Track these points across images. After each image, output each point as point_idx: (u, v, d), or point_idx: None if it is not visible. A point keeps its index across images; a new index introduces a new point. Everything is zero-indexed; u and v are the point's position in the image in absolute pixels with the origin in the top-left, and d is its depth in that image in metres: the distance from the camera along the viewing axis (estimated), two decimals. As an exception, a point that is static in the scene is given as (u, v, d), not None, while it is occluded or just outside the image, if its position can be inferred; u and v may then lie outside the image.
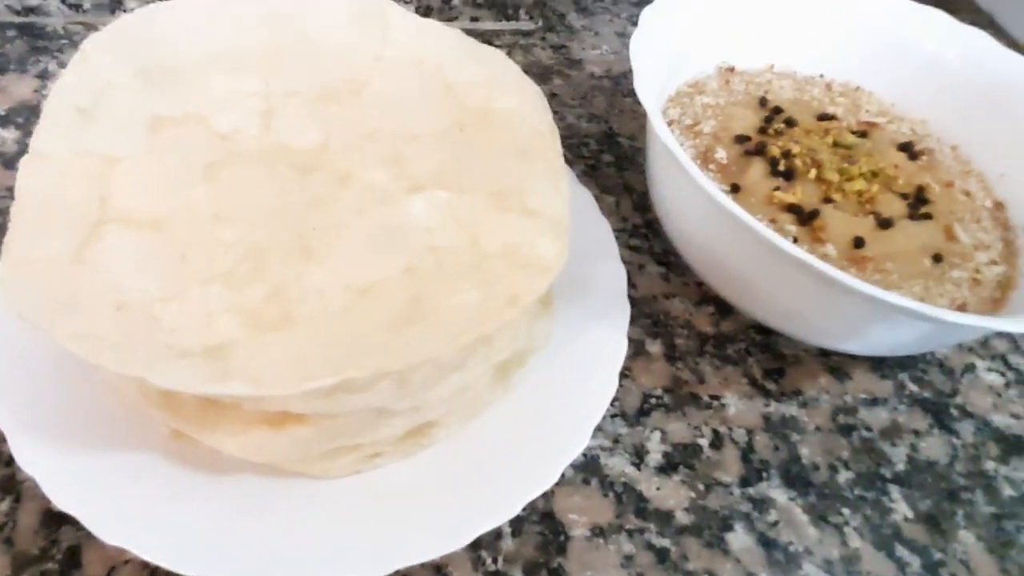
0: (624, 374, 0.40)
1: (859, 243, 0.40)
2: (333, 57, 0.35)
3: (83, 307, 0.24)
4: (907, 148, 0.47)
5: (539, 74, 0.57)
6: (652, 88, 0.39)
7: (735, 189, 0.42)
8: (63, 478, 0.28)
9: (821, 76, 0.52)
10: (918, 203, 0.43)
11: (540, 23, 0.61)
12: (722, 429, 0.39)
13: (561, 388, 0.35)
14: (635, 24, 0.61)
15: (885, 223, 0.41)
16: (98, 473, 0.29)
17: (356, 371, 0.23)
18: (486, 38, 0.59)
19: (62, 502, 0.28)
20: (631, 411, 0.39)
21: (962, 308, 0.39)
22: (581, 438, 0.33)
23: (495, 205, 0.30)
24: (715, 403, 0.40)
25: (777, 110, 0.48)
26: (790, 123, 0.46)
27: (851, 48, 0.51)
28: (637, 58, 0.39)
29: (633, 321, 0.42)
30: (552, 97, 0.55)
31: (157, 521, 0.28)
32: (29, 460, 0.28)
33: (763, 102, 0.48)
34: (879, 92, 0.52)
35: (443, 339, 0.25)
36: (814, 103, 0.50)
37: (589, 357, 0.37)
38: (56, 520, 0.30)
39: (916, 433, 0.41)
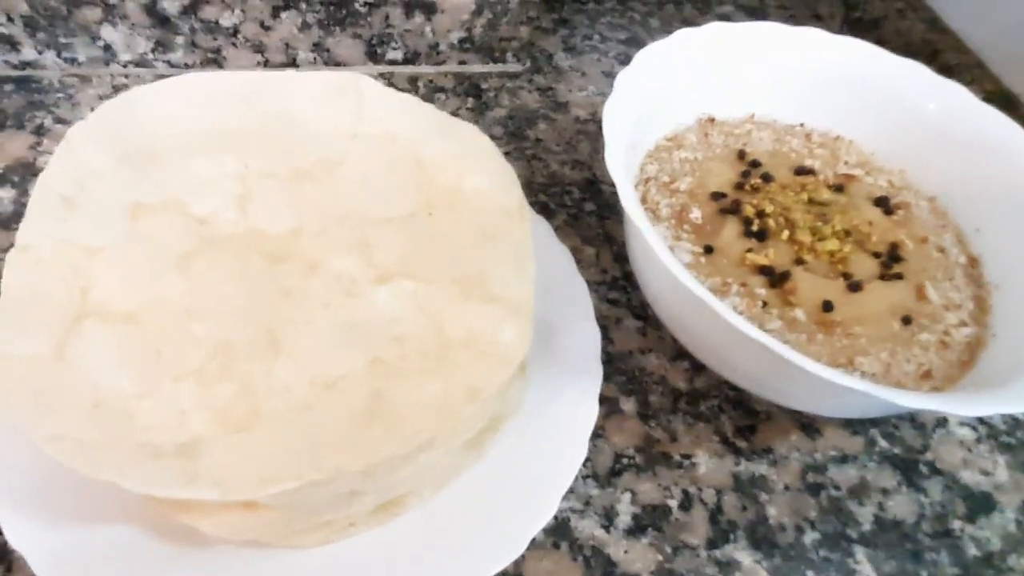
0: (597, 434, 0.41)
1: (828, 307, 0.40)
2: (309, 135, 0.36)
3: (61, 406, 0.26)
4: (883, 203, 0.47)
5: (525, 118, 0.58)
6: (623, 156, 0.40)
7: (708, 250, 0.43)
8: (50, 554, 0.30)
9: (801, 125, 0.53)
10: (891, 261, 0.44)
11: (528, 64, 0.62)
12: (692, 489, 0.40)
13: (531, 455, 0.37)
14: (623, 63, 0.62)
15: (855, 286, 0.41)
16: (84, 548, 0.30)
17: (317, 474, 0.25)
18: (474, 81, 0.60)
19: (48, 577, 0.29)
20: (603, 472, 0.40)
21: (927, 375, 0.39)
22: (548, 508, 0.35)
23: (459, 292, 0.31)
24: (686, 462, 0.41)
25: (755, 163, 0.49)
26: (767, 178, 0.47)
27: (831, 98, 0.52)
28: (609, 128, 0.40)
29: (608, 378, 0.44)
30: (537, 143, 0.56)
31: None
32: (17, 537, 0.30)
33: (741, 155, 0.49)
34: (859, 141, 0.52)
35: (402, 439, 0.26)
36: (792, 155, 0.50)
37: (560, 424, 0.38)
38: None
39: (884, 491, 0.42)
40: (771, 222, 0.44)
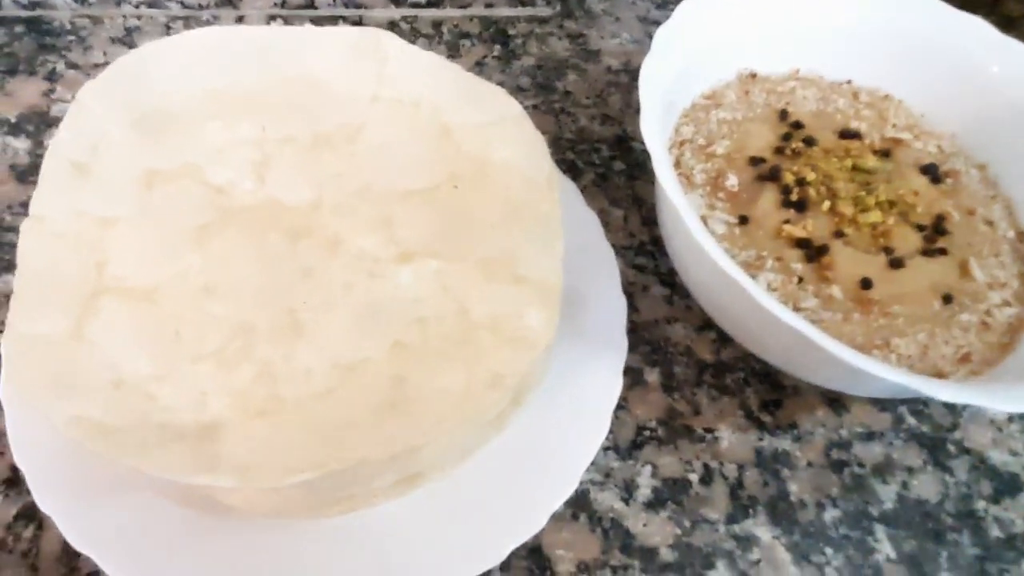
0: (620, 405, 0.41)
1: (866, 284, 0.39)
2: (329, 97, 0.34)
3: (81, 387, 0.25)
4: (930, 171, 0.45)
5: (554, 68, 0.55)
6: (659, 121, 0.38)
7: (743, 221, 0.41)
8: (79, 520, 0.30)
9: (849, 82, 0.49)
10: (935, 235, 0.42)
11: (558, 7, 0.58)
12: (713, 464, 0.40)
13: (553, 429, 0.36)
14: (659, 6, 0.59)
15: (896, 263, 0.40)
16: (112, 514, 0.31)
17: (337, 463, 0.24)
18: (501, 26, 0.56)
19: (78, 543, 0.30)
20: (624, 444, 0.40)
21: (966, 358, 0.38)
22: (569, 483, 0.34)
23: (485, 273, 0.30)
24: (708, 436, 0.41)
25: (797, 125, 0.46)
26: (809, 142, 0.45)
27: (883, 53, 0.48)
28: (647, 90, 0.37)
29: (633, 348, 0.43)
30: (566, 96, 0.53)
31: (169, 560, 0.30)
32: (47, 502, 0.30)
33: (783, 115, 0.46)
34: (909, 101, 0.49)
35: (423, 429, 0.26)
36: (837, 116, 0.47)
37: (583, 398, 0.37)
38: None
39: (909, 470, 0.41)
40: (812, 191, 0.42)
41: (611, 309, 0.40)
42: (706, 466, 0.40)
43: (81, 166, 0.30)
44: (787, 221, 0.41)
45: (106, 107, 0.31)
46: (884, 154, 0.46)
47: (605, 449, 0.39)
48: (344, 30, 0.35)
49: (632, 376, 0.42)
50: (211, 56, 0.34)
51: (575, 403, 0.37)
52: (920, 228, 0.42)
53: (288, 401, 0.26)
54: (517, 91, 0.53)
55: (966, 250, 0.42)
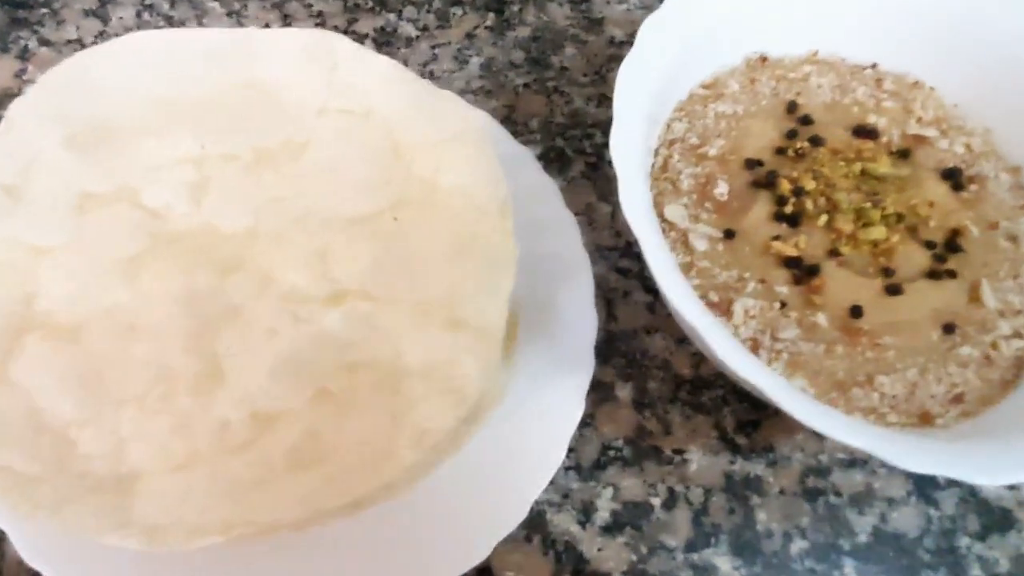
0: (586, 422, 0.39)
1: (856, 312, 0.36)
2: (276, 108, 0.32)
3: (3, 434, 0.25)
4: (953, 176, 0.40)
5: (551, 40, 0.51)
6: (639, 136, 0.34)
7: (729, 235, 0.38)
8: (32, 534, 0.31)
9: (874, 67, 0.44)
10: (946, 253, 0.38)
11: (562, -34, 0.54)
12: (679, 488, 0.39)
13: (507, 453, 0.35)
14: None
15: (893, 289, 0.36)
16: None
17: (244, 527, 0.24)
18: (498, -11, 0.52)
19: (30, 558, 0.31)
20: (587, 463, 0.39)
21: (958, 399, 0.35)
22: (517, 514, 0.34)
23: (421, 315, 0.28)
24: (677, 458, 0.39)
25: (805, 120, 0.42)
26: (815, 141, 0.41)
27: (915, 33, 0.43)
28: (624, 102, 0.34)
29: (606, 361, 0.41)
30: (562, 72, 0.50)
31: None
32: (2, 514, 0.31)
33: (791, 108, 0.42)
34: (941, 90, 0.44)
35: (337, 491, 0.25)
36: (854, 109, 0.43)
37: (541, 421, 0.36)
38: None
39: (890, 501, 0.39)
40: (808, 203, 0.38)
41: (581, 325, 0.38)
42: (671, 490, 0.38)
43: (11, 189, 0.29)
44: (777, 237, 0.37)
45: (38, 123, 0.30)
46: (903, 155, 0.41)
47: (566, 469, 0.38)
48: (295, 32, 0.33)
49: (602, 391, 0.40)
50: (153, 62, 0.32)
51: (533, 427, 0.36)
52: (930, 245, 0.38)
53: (204, 455, 0.26)
54: (509, 67, 0.49)
55: (980, 271, 0.38)
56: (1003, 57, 0.41)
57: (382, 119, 0.32)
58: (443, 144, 0.31)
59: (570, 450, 0.39)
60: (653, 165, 0.40)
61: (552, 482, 0.38)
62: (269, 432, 0.26)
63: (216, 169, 0.31)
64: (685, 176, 0.39)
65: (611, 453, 0.39)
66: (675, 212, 0.38)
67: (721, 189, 0.39)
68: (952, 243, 0.39)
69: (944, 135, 0.42)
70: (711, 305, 0.36)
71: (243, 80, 0.32)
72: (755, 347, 0.35)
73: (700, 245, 0.37)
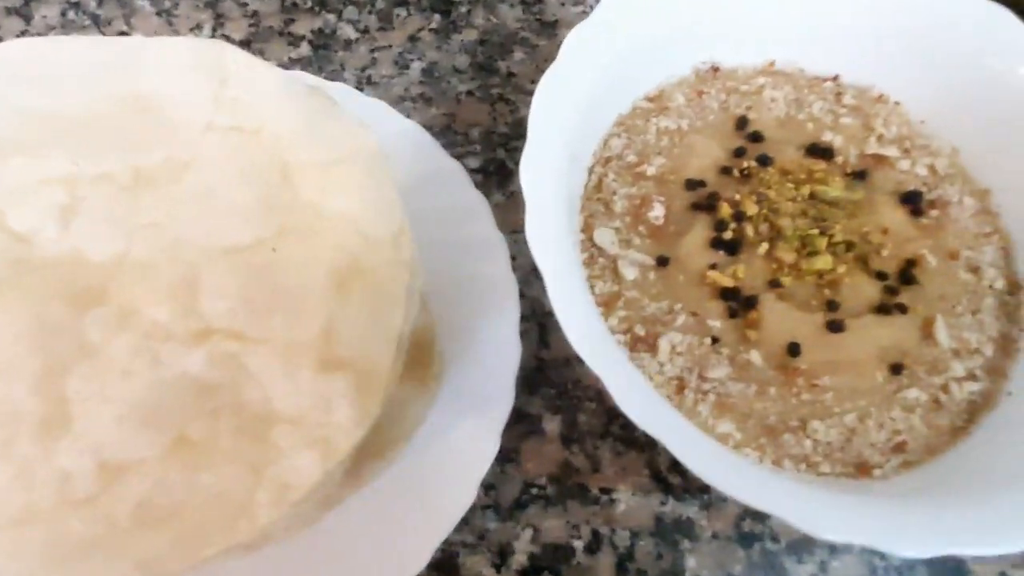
0: (508, 458, 0.37)
1: (794, 350, 0.33)
2: (159, 123, 0.30)
3: None
4: (912, 200, 0.37)
5: (500, 44, 0.48)
6: (559, 156, 0.32)
7: (662, 263, 0.35)
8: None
9: (835, 79, 0.41)
10: (899, 286, 0.35)
11: (517, -35, 0.51)
12: (604, 530, 0.36)
13: (410, 495, 0.33)
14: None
15: (835, 326, 0.34)
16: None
17: (78, 594, 0.22)
18: (447, -12, 0.49)
19: None
20: (506, 503, 0.36)
21: (900, 447, 0.32)
22: (419, 559, 0.32)
23: (294, 357, 0.26)
24: (604, 498, 0.37)
25: (755, 137, 0.39)
26: (764, 161, 0.38)
27: (881, 43, 0.40)
28: (539, 120, 0.31)
29: (535, 391, 0.39)
30: (508, 79, 0.47)
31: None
32: None
33: (741, 123, 0.39)
34: (908, 105, 0.41)
35: (181, 554, 0.23)
36: (809, 126, 0.40)
37: (450, 461, 0.34)
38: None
39: (832, 549, 0.37)
40: (749, 230, 0.35)
41: (502, 355, 0.36)
42: (595, 532, 0.36)
43: None
44: (714, 265, 0.35)
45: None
46: (859, 176, 0.38)
47: (484, 507, 0.36)
48: (182, 42, 0.30)
49: (528, 424, 0.38)
50: (29, 73, 0.30)
51: (444, 465, 0.34)
52: (881, 277, 0.36)
53: (43, 509, 0.24)
54: (452, 72, 0.46)
55: (935, 305, 0.35)
56: (974, 70, 0.38)
57: (272, 137, 0.30)
58: (333, 166, 0.29)
59: (489, 487, 0.37)
60: (587, 185, 0.37)
61: (467, 522, 0.36)
62: (117, 485, 0.24)
63: (89, 190, 0.29)
64: (620, 197, 0.37)
65: (533, 491, 0.37)
66: (604, 236, 0.35)
67: (657, 212, 0.36)
68: (906, 274, 0.36)
69: (906, 155, 0.39)
70: (637, 340, 0.33)
71: (126, 93, 0.30)
72: (680, 387, 0.32)
73: (630, 273, 0.35)
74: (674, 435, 0.27)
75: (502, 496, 0.37)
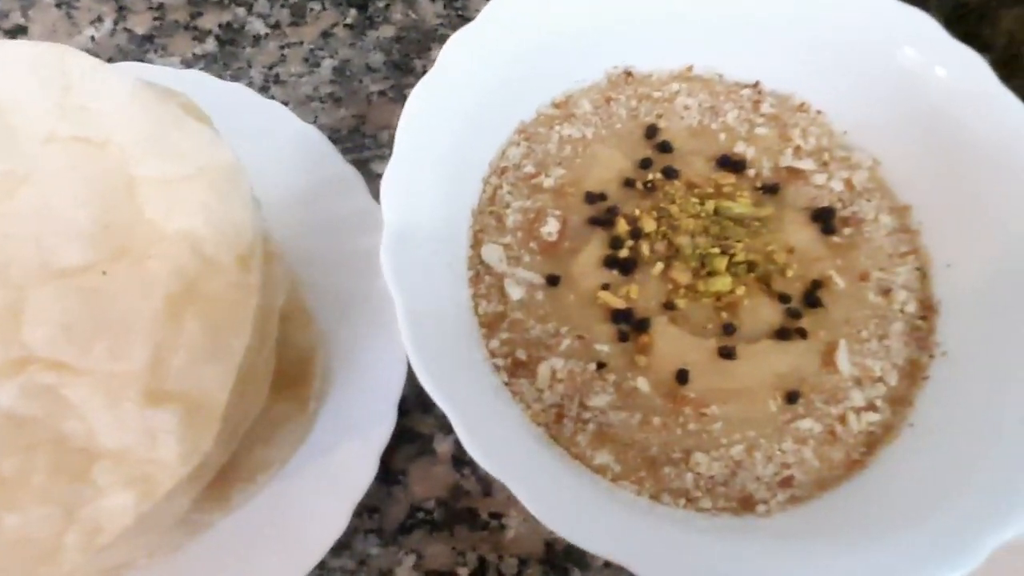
0: (396, 480, 0.36)
1: (682, 378, 0.32)
2: (-1, 133, 0.28)
3: None
4: (824, 217, 0.36)
5: (417, 41, 0.46)
6: (436, 170, 0.30)
7: (553, 282, 0.33)
8: None
9: (755, 85, 0.39)
10: (803, 307, 0.34)
11: (443, -44, 0.48)
12: (491, 556, 0.35)
13: (284, 521, 0.32)
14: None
15: (727, 352, 0.32)
16: None
17: None
18: (367, -19, 0.47)
19: None
20: (391, 527, 0.35)
21: (787, 483, 0.31)
22: (285, 591, 0.31)
23: (118, 388, 0.25)
24: (493, 523, 0.36)
25: (664, 147, 0.37)
26: (669, 173, 0.36)
27: (803, 49, 0.38)
28: (409, 129, 0.30)
29: (427, 410, 0.37)
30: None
31: None
32: None
33: (651, 132, 0.37)
34: (831, 114, 0.39)
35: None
36: (721, 136, 0.38)
37: (327, 485, 0.33)
38: None
39: (729, 579, 0.35)
40: (644, 248, 0.34)
41: (388, 374, 0.34)
42: (481, 559, 0.35)
43: None
44: (607, 286, 0.33)
45: None
46: (770, 190, 0.36)
47: (367, 531, 0.35)
48: (21, 45, 0.29)
49: (419, 444, 0.37)
50: None
51: (316, 491, 0.33)
52: (783, 299, 0.34)
53: None
54: (365, 71, 0.44)
55: (840, 330, 0.34)
56: (897, 79, 0.36)
57: (118, 150, 0.28)
58: (180, 182, 0.27)
59: (373, 510, 0.36)
60: (482, 197, 0.35)
61: (348, 546, 0.35)
62: (-84, 525, 0.23)
63: (-80, 206, 0.27)
64: (513, 211, 0.35)
65: (420, 515, 0.36)
66: (492, 253, 0.34)
67: (550, 227, 0.34)
68: (811, 297, 0.34)
69: (823, 168, 0.37)
70: (518, 364, 0.32)
71: (-34, 100, 0.28)
72: (559, 416, 0.31)
73: (515, 293, 0.33)
74: (525, 480, 0.25)
75: (386, 520, 0.35)
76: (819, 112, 0.39)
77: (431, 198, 0.31)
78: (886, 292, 0.35)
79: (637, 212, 0.34)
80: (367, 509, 0.35)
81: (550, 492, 0.26)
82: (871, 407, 0.33)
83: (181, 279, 0.26)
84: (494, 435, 0.27)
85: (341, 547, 0.34)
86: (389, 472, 0.36)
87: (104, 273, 0.26)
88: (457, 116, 0.32)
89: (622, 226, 0.34)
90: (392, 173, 0.29)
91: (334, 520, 0.32)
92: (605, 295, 0.33)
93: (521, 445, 0.27)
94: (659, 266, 0.33)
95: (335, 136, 0.43)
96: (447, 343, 0.29)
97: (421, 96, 0.30)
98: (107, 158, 0.28)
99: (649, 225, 0.34)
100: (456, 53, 0.32)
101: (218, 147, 0.28)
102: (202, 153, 0.28)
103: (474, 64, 0.33)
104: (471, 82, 0.33)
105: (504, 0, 0.33)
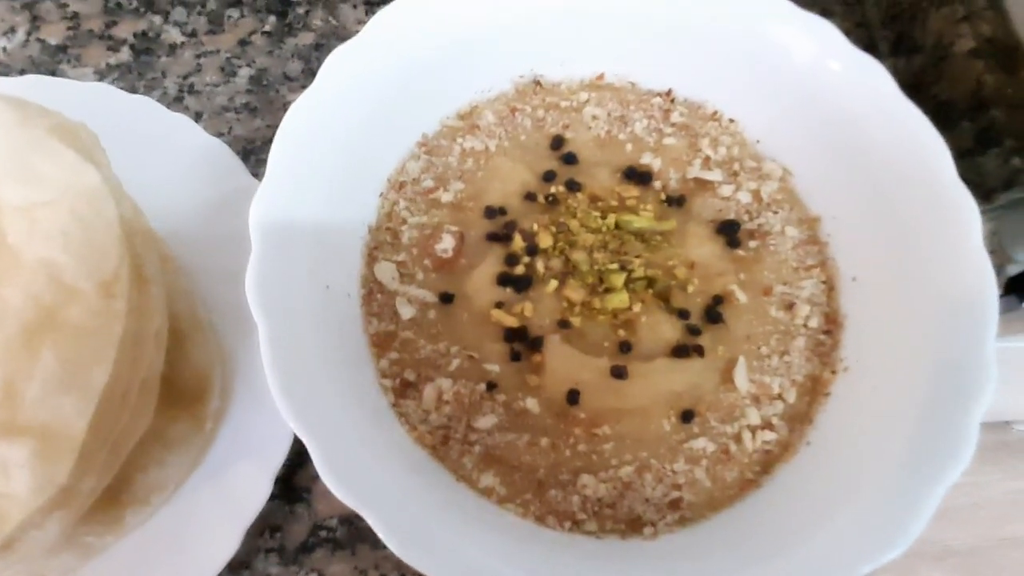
0: (300, 497, 0.36)
1: (573, 398, 0.31)
2: None
3: None
4: (728, 230, 0.35)
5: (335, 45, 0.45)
6: (314, 188, 0.30)
7: (446, 299, 0.33)
8: None
9: (668, 93, 0.38)
10: (704, 323, 0.33)
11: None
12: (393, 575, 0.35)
13: (176, 542, 0.32)
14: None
15: (618, 372, 0.31)
16: None
17: None
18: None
19: None
20: (292, 546, 0.35)
21: (676, 504, 0.31)
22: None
23: (-33, 422, 0.24)
24: (396, 541, 0.35)
25: (570, 159, 0.36)
26: (573, 186, 0.35)
27: (712, 58, 0.37)
28: (284, 144, 0.29)
29: (333, 427, 0.37)
30: (342, 87, 0.44)
31: None
32: None
33: (557, 143, 0.37)
34: (745, 122, 0.38)
35: None
36: (628, 147, 0.37)
37: (221, 505, 0.32)
38: None
39: (634, 596, 0.35)
40: (540, 265, 0.33)
41: (285, 393, 0.34)
42: (382, 578, 0.35)
43: None
44: (500, 304, 0.33)
45: None
46: (676, 203, 0.36)
47: (267, 551, 0.35)
48: None
49: (323, 462, 0.36)
50: None
51: (211, 511, 0.32)
52: (682, 315, 0.33)
53: None
54: (282, 80, 0.44)
55: (739, 346, 0.33)
56: (805, 87, 0.35)
57: (-17, 174, 0.27)
58: (40, 208, 0.27)
59: (275, 529, 0.35)
60: (379, 213, 0.35)
61: (248, 566, 0.35)
62: None
63: None
64: (409, 227, 0.34)
65: (322, 534, 0.35)
66: (385, 271, 0.33)
67: (445, 244, 0.34)
68: (712, 312, 0.33)
69: (732, 179, 0.37)
70: (407, 385, 0.31)
71: None
72: (445, 438, 0.31)
73: (406, 312, 0.33)
74: (382, 511, 0.25)
75: (288, 538, 0.35)
76: (732, 120, 0.38)
77: (312, 217, 0.30)
78: (789, 307, 0.34)
79: (535, 227, 0.34)
80: (269, 528, 0.35)
81: (415, 523, 0.25)
82: (767, 425, 0.32)
83: (37, 308, 0.26)
84: (361, 462, 0.26)
85: (241, 566, 0.34)
86: (293, 490, 0.36)
87: (-43, 304, 0.25)
88: (344, 131, 0.32)
89: (518, 242, 0.33)
90: (263, 193, 0.28)
91: (227, 541, 0.32)
92: (498, 313, 0.32)
93: (392, 472, 0.27)
94: (553, 283, 0.33)
95: (250, 147, 0.42)
96: (324, 366, 0.28)
97: (299, 114, 0.30)
98: (-28, 183, 0.28)
99: (546, 241, 0.33)
100: (337, 68, 0.31)
101: (82, 171, 0.28)
102: (64, 177, 0.27)
103: (358, 79, 0.32)
104: (358, 96, 0.32)
105: (391, 12, 0.33)
